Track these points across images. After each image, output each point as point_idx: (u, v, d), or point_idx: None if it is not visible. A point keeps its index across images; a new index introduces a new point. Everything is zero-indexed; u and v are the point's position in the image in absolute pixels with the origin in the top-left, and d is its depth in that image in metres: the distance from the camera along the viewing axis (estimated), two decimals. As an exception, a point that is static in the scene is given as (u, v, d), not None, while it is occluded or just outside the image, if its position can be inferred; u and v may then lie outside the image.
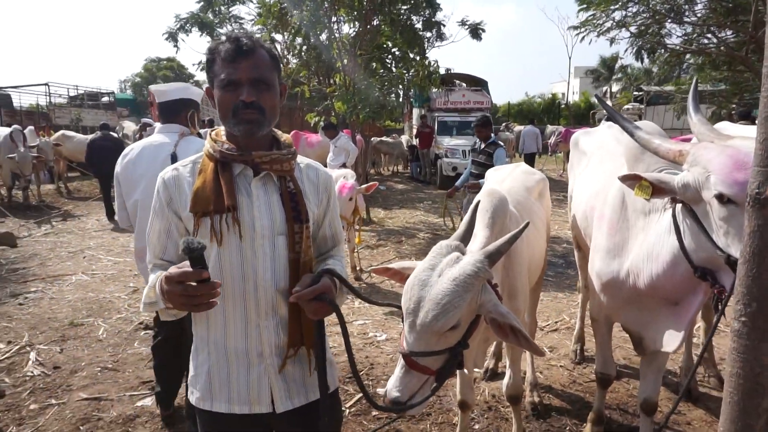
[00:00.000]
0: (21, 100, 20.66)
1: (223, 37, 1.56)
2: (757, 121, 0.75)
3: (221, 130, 1.64)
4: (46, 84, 20.10)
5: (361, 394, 3.61)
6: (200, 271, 1.26)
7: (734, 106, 12.43)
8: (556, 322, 4.95)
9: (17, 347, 4.40)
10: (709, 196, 1.78)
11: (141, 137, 11.68)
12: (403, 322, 1.73)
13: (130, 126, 17.06)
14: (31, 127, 12.16)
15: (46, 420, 3.34)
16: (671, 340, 2.28)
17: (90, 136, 11.47)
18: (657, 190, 1.94)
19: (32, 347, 4.41)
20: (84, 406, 3.50)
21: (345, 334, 1.60)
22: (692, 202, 1.87)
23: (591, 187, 3.05)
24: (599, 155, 3.31)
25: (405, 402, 1.66)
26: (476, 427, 3.28)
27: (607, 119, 10.28)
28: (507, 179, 3.18)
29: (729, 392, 0.80)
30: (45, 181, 12.50)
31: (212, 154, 1.56)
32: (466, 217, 1.97)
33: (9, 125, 12.18)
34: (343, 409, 3.23)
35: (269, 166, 1.56)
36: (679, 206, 1.98)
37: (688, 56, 14.23)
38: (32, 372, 3.98)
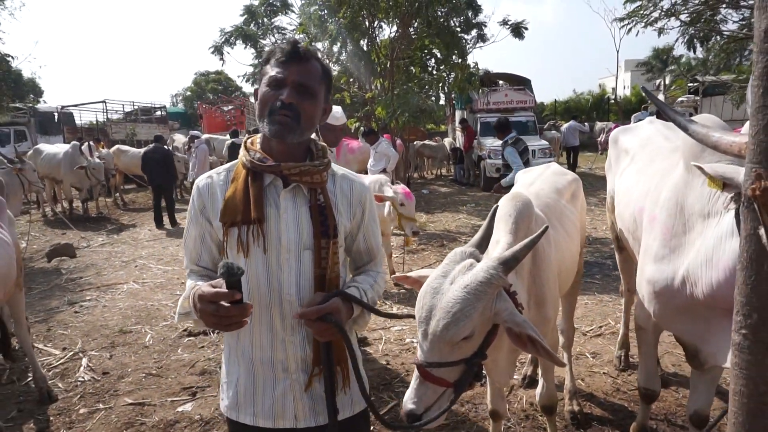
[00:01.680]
0: (81, 117, 21.88)
1: (284, 41, 1.58)
2: (749, 113, 0.67)
3: (257, 138, 1.63)
4: (103, 101, 21.20)
5: (395, 401, 3.57)
6: (233, 292, 1.27)
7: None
8: (600, 327, 4.75)
9: (71, 353, 4.61)
10: None
11: (190, 148, 12.14)
12: (418, 332, 1.69)
13: (180, 138, 17.71)
14: (91, 142, 12.82)
15: (93, 424, 3.48)
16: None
17: (143, 149, 12.00)
18: (726, 184, 1.73)
19: (84, 353, 4.62)
20: (128, 411, 3.63)
21: (353, 357, 1.55)
22: None
23: (639, 187, 2.88)
24: (648, 153, 3.12)
25: (420, 414, 1.60)
26: (513, 436, 3.18)
27: (657, 114, 9.86)
28: (536, 181, 3.07)
29: (733, 411, 0.73)
30: (103, 194, 13.14)
31: (245, 162, 1.56)
32: (484, 223, 1.90)
33: (70, 142, 12.91)
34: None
35: (299, 178, 1.54)
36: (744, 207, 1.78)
37: (747, 42, 13.45)
38: (83, 377, 4.16)
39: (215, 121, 23.02)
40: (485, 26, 11.24)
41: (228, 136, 14.55)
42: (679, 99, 19.35)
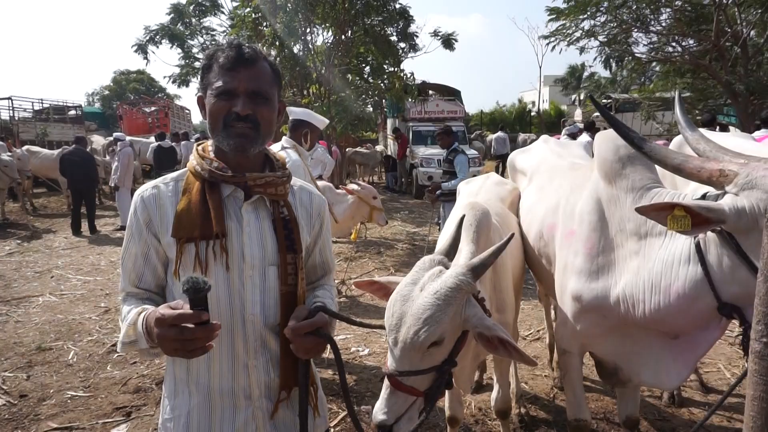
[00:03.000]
0: (-18, 115, 20.01)
1: (224, 43, 1.44)
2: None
3: (208, 144, 1.51)
4: (9, 98, 19.51)
5: (345, 412, 3.52)
6: (200, 312, 1.14)
7: (698, 112, 12.80)
8: (538, 331, 4.94)
9: (-20, 375, 4.18)
10: None
11: (112, 151, 11.43)
12: (387, 340, 1.67)
13: (99, 140, 16.64)
14: (1, 142, 11.80)
15: (12, 453, 3.16)
16: (672, 378, 2.09)
17: (60, 151, 11.18)
18: (700, 220, 1.59)
19: (-3, 375, 4.19)
20: (54, 437, 3.33)
21: (341, 369, 1.49)
22: (740, 232, 1.59)
23: (544, 204, 2.79)
24: (545, 172, 3.12)
25: (391, 425, 1.57)
26: (464, 441, 3.22)
27: (587, 126, 10.35)
28: (480, 192, 3.14)
29: (752, 416, 0.76)
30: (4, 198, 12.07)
31: (199, 172, 1.43)
32: (451, 231, 1.92)
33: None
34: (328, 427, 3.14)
35: (263, 190, 1.45)
36: (709, 235, 1.70)
37: (654, 64, 14.63)
38: (-3, 401, 3.78)
39: (136, 123, 21.87)
40: (417, 36, 11.50)
41: (153, 139, 13.85)
42: (595, 114, 20.67)
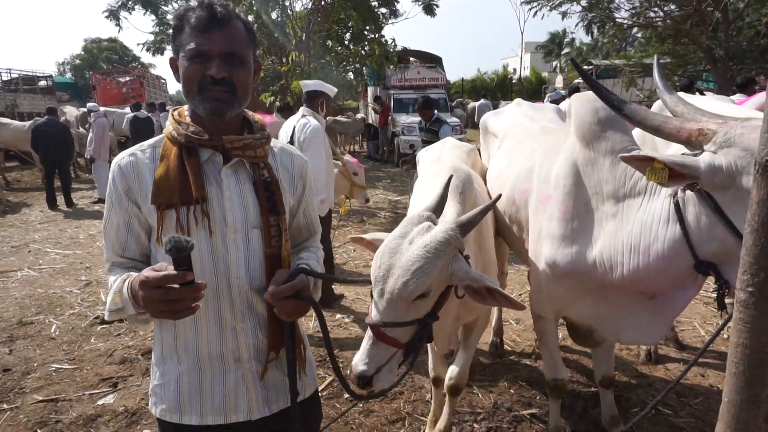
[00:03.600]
0: (-52, 85, 19.27)
1: (194, 2, 1.38)
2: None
3: (184, 109, 1.49)
4: (-26, 68, 18.79)
5: (332, 377, 3.57)
6: (185, 273, 1.13)
7: (677, 78, 12.87)
8: (520, 294, 5.02)
9: (-39, 350, 4.12)
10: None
11: (87, 122, 11.13)
12: (372, 292, 1.69)
13: (71, 111, 16.14)
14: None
15: (-2, 425, 3.15)
16: (650, 335, 2.16)
17: (32, 122, 10.82)
18: (674, 174, 1.63)
19: (-22, 349, 4.14)
20: (40, 409, 3.32)
21: (325, 331, 1.50)
22: (716, 189, 1.62)
23: (516, 168, 2.75)
24: (516, 135, 3.09)
25: (371, 376, 1.61)
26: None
27: (571, 92, 10.34)
28: (442, 156, 3.09)
29: (734, 362, 0.79)
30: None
31: (176, 137, 1.41)
32: (439, 190, 1.93)
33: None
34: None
35: (241, 153, 1.43)
36: (687, 194, 1.73)
37: (635, 30, 14.60)
38: (-20, 376, 3.74)
39: (111, 93, 21.25)
40: (398, 2, 11.28)
41: (129, 110, 13.50)
42: (577, 80, 20.67)
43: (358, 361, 1.63)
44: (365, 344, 1.65)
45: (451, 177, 1.99)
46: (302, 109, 4.52)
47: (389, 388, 1.71)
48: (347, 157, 5.60)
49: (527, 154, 2.71)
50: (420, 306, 1.64)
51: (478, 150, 3.54)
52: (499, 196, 1.81)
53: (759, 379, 0.77)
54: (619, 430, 2.80)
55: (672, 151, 2.03)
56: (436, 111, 6.89)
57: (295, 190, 1.58)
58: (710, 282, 1.84)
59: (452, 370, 2.72)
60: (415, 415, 3.19)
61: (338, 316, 4.70)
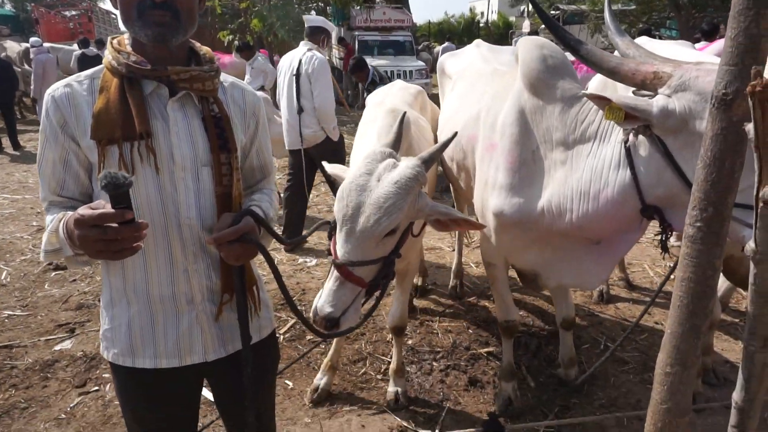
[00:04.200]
0: None
1: None
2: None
3: (125, 37, 1.38)
4: None
5: (295, 320, 3.60)
6: (123, 211, 1.05)
7: (641, 25, 12.88)
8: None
9: None
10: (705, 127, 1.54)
11: (29, 59, 10.40)
12: (335, 233, 1.68)
13: (12, 47, 15.01)
14: None
15: (-50, 373, 3.07)
16: (592, 280, 2.24)
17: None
18: (629, 116, 1.64)
19: (-77, 297, 3.98)
20: (-7, 355, 3.25)
21: (276, 274, 1.46)
22: (668, 133, 1.62)
23: (465, 113, 2.67)
24: (468, 77, 3.02)
25: (339, 317, 1.62)
26: (409, 342, 3.39)
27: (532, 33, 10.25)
28: (386, 99, 3.03)
29: (679, 296, 0.81)
30: None
31: (116, 67, 1.31)
32: (395, 126, 1.90)
33: None
34: (278, 335, 3.21)
35: (188, 85, 1.34)
36: (639, 139, 1.72)
37: (602, -26, 14.39)
38: (-73, 323, 3.61)
39: (56, 29, 19.80)
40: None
41: (76, 47, 12.66)
42: (542, 26, 20.49)
43: (324, 303, 1.63)
44: (330, 285, 1.64)
45: (404, 114, 1.94)
46: (305, 43, 4.73)
47: (355, 327, 1.73)
48: None
49: (476, 97, 2.64)
50: (387, 243, 1.66)
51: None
52: (455, 134, 1.80)
53: (701, 310, 0.80)
54: (575, 370, 2.92)
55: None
56: (373, 73, 6.64)
57: (248, 128, 1.52)
58: (655, 226, 1.89)
59: (391, 314, 2.82)
60: (376, 354, 3.28)
61: (300, 260, 4.70)
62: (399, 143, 1.85)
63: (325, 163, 2.01)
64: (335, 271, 1.64)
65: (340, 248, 1.64)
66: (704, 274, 0.78)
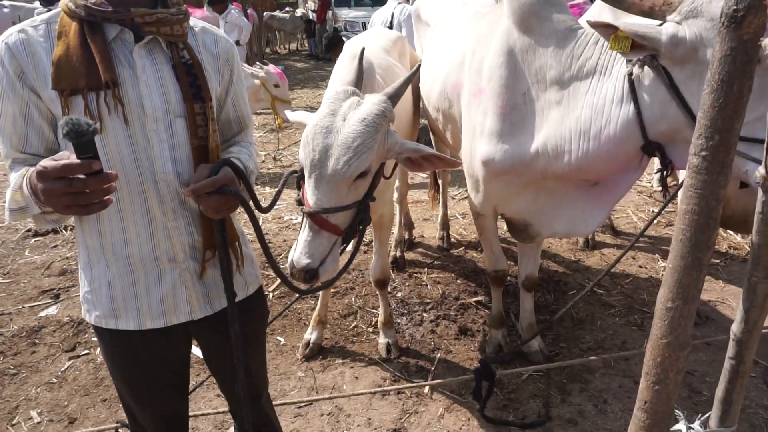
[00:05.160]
0: None
1: None
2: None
3: None
4: None
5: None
6: (90, 161, 0.98)
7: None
8: (465, 191, 5.10)
9: None
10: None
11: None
12: (304, 179, 1.62)
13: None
14: None
15: (-66, 343, 3.02)
16: (587, 224, 2.15)
17: None
18: (636, 45, 1.57)
19: None
20: (-23, 324, 3.20)
21: (257, 228, 1.40)
22: (675, 63, 1.57)
23: (447, 60, 2.56)
24: (447, 22, 2.89)
25: (317, 268, 1.57)
26: (399, 294, 3.41)
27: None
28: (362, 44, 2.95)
29: (681, 229, 0.79)
30: None
31: (74, 10, 1.21)
32: (354, 64, 1.82)
33: None
34: (267, 293, 3.20)
35: (155, 29, 1.25)
36: (644, 70, 1.65)
37: None
38: None
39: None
40: None
41: (38, 4, 12.02)
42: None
43: (300, 255, 1.58)
44: (304, 236, 1.59)
45: (363, 50, 1.85)
46: None
47: (335, 279, 1.70)
48: (270, 67, 5.09)
49: (459, 42, 2.53)
50: (360, 186, 1.60)
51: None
52: (419, 65, 1.73)
53: (704, 243, 0.78)
54: (535, 336, 2.75)
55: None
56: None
57: (222, 76, 1.43)
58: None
59: (373, 267, 2.81)
60: (366, 308, 3.29)
61: (286, 217, 4.65)
62: (361, 81, 1.77)
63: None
64: (308, 220, 1.58)
65: (311, 196, 1.58)
66: (708, 205, 0.75)
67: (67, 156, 1.01)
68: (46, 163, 1.01)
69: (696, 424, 0.98)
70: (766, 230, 0.72)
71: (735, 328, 0.87)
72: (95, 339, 3.01)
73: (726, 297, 3.30)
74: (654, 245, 3.97)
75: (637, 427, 0.93)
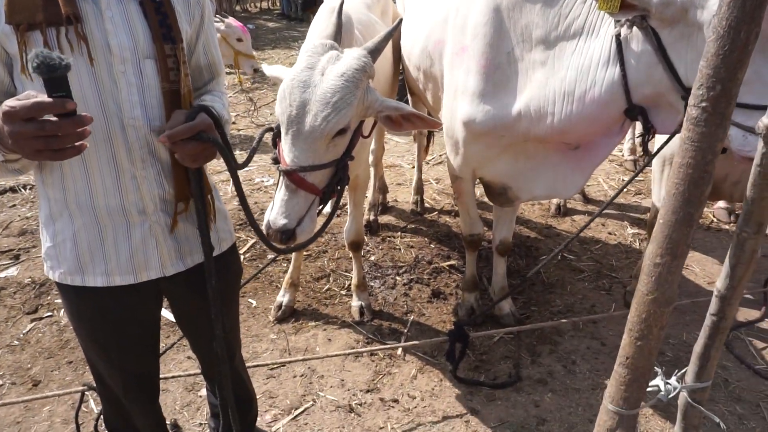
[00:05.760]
0: None
1: None
2: None
3: None
4: None
5: (255, 239, 3.53)
6: (63, 100, 0.90)
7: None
8: (440, 155, 5.08)
9: None
10: (706, 16, 1.46)
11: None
12: (281, 136, 1.56)
13: None
14: None
15: None
16: (568, 188, 2.14)
17: None
18: (625, 5, 1.54)
19: None
20: (-69, 284, 3.05)
21: (235, 178, 1.35)
22: (664, 25, 1.55)
23: (431, 17, 2.47)
24: None
25: (294, 229, 1.54)
26: (372, 258, 3.40)
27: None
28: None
29: (675, 183, 0.78)
30: None
31: None
32: (333, 18, 1.73)
33: None
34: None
35: None
36: (632, 31, 1.62)
37: None
38: None
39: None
40: None
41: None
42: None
43: (277, 214, 1.53)
44: (281, 195, 1.54)
45: (342, 3, 1.77)
46: None
47: (313, 239, 1.66)
48: (230, 20, 4.89)
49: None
50: (338, 144, 1.56)
51: None
52: (401, 20, 1.67)
53: (697, 198, 0.77)
54: (509, 306, 2.76)
55: None
56: None
57: (192, 18, 1.34)
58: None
59: (347, 229, 2.78)
60: (339, 271, 3.27)
61: (257, 179, 4.55)
62: (340, 35, 1.70)
63: (264, 65, 1.86)
64: (285, 179, 1.53)
65: (288, 153, 1.52)
66: (704, 158, 0.74)
67: (35, 95, 0.93)
68: (13, 102, 0.93)
69: (673, 380, 0.99)
70: (762, 183, 0.71)
71: (719, 284, 0.87)
72: (59, 301, 2.92)
73: (690, 263, 3.40)
74: (623, 213, 4.04)
75: (618, 382, 0.94)
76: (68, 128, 0.94)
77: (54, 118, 0.93)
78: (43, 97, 0.91)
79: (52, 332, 2.71)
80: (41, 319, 2.81)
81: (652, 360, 0.90)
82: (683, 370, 1.01)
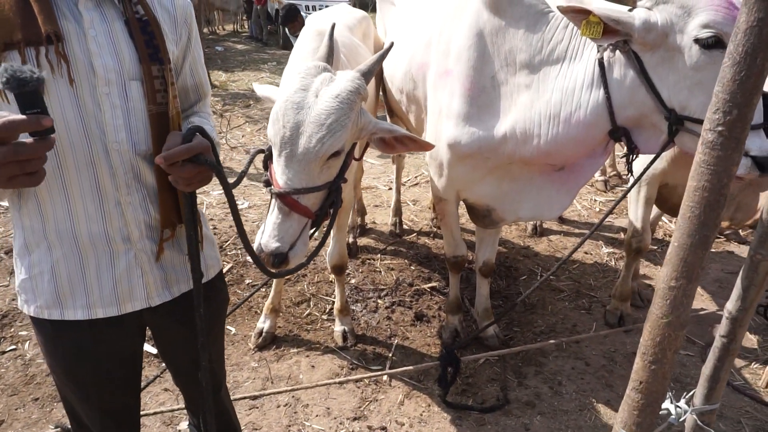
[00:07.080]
0: None
1: None
2: None
3: None
4: None
5: (232, 264, 3.44)
6: (38, 117, 0.83)
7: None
8: (416, 177, 5.10)
9: None
10: (686, 41, 1.52)
11: None
12: (272, 158, 1.53)
13: None
14: None
15: None
16: (555, 208, 2.16)
17: None
18: (608, 30, 1.57)
19: None
20: None
21: (232, 203, 1.29)
22: (646, 49, 1.60)
23: (413, 40, 2.49)
24: (413, 2, 2.81)
25: (287, 252, 1.49)
26: (352, 281, 3.35)
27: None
28: (323, 23, 2.86)
29: (690, 206, 0.78)
30: None
31: None
32: (325, 40, 1.73)
33: None
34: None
35: None
36: (615, 55, 1.67)
37: None
38: None
39: None
40: None
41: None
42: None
43: (269, 238, 1.49)
44: (273, 218, 1.50)
45: (333, 25, 1.77)
46: None
47: (306, 263, 1.62)
48: None
49: (425, 22, 2.46)
50: (332, 166, 1.53)
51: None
52: (392, 44, 1.67)
53: (712, 221, 0.77)
54: (493, 323, 2.67)
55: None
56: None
57: (179, 38, 1.30)
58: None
59: (330, 253, 2.74)
60: (319, 295, 3.21)
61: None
62: (332, 58, 1.69)
63: (255, 84, 1.83)
64: (278, 201, 1.49)
65: (281, 176, 1.49)
66: (720, 182, 0.74)
67: (6, 114, 0.85)
68: None
69: (682, 402, 0.99)
70: (781, 206, 0.73)
71: (730, 306, 0.87)
72: (23, 333, 2.77)
73: (664, 281, 3.47)
74: (598, 232, 4.11)
75: (631, 407, 0.93)
76: (39, 151, 0.88)
77: (29, 138, 0.86)
78: (16, 115, 0.85)
79: (17, 367, 2.56)
80: (4, 353, 2.65)
81: (666, 384, 0.90)
82: (691, 392, 1.01)
